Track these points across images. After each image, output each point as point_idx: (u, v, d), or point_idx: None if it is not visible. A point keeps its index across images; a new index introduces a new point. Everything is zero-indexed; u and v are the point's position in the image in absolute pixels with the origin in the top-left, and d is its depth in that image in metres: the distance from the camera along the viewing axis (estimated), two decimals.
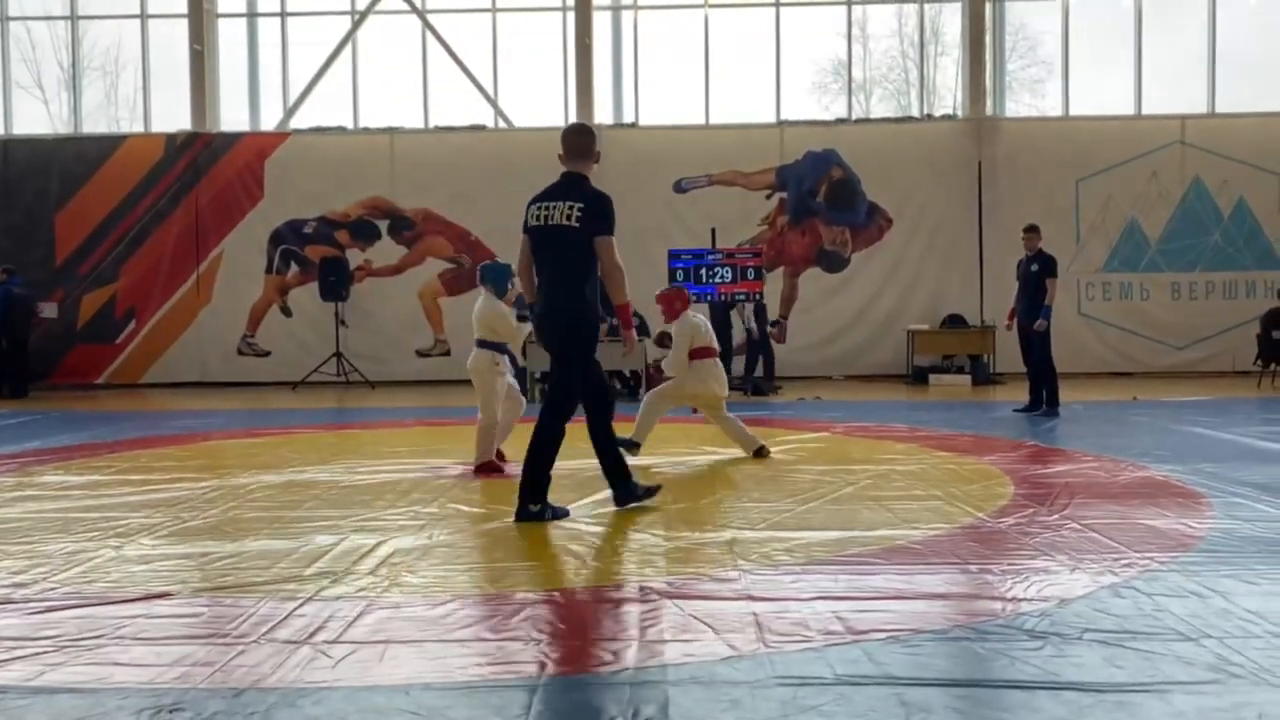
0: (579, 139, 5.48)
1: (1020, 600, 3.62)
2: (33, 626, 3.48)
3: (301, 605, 3.64)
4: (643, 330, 13.18)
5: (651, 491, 5.46)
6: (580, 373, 5.24)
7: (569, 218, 5.14)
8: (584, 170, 5.37)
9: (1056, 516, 5.03)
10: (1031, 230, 10.22)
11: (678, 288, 8.10)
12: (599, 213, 5.19)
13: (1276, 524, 4.82)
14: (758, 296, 13.46)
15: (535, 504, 5.12)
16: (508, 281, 6.89)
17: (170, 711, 2.70)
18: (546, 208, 5.20)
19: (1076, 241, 15.47)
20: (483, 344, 6.82)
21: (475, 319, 6.89)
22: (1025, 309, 10.10)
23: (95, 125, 16.69)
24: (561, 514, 5.21)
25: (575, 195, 5.21)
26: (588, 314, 5.23)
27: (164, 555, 4.50)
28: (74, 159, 15.92)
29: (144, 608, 3.68)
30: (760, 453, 7.28)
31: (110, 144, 16.08)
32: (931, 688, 2.81)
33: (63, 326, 15.76)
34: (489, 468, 6.71)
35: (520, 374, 12.77)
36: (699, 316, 7.55)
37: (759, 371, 13.82)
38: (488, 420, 6.77)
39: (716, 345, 7.49)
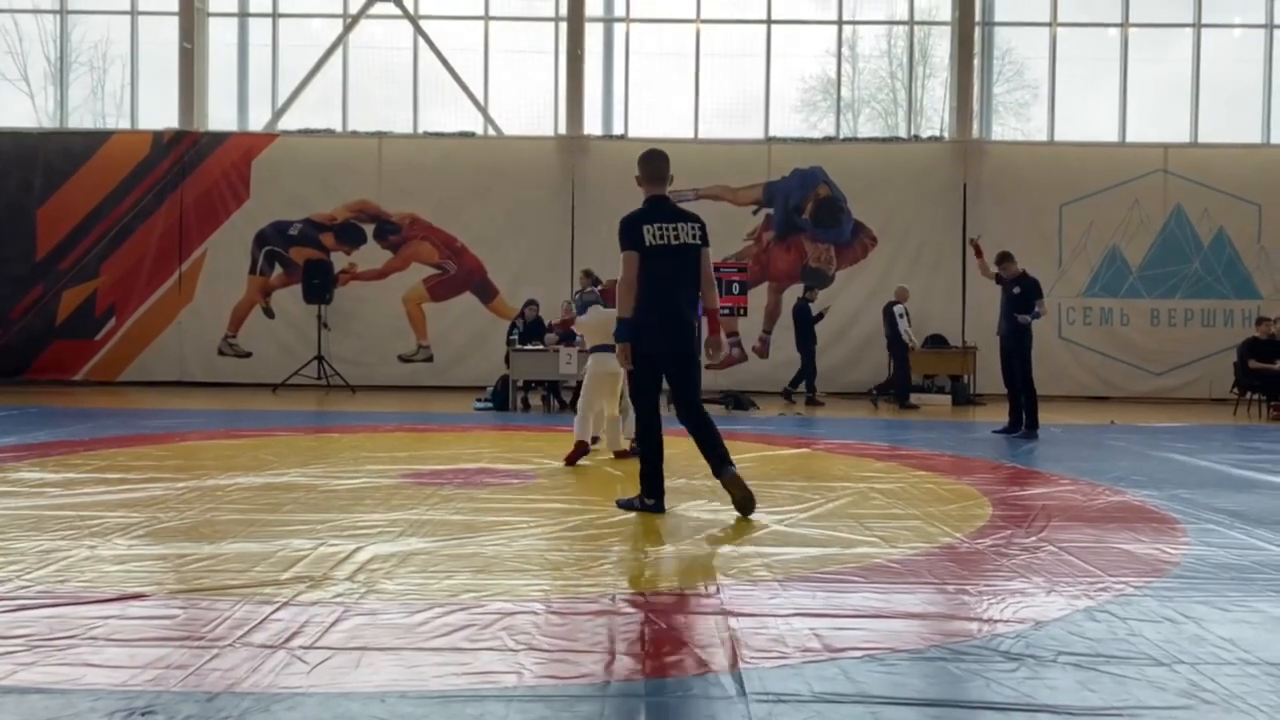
0: (664, 164, 5.80)
1: (996, 621, 3.64)
2: (4, 625, 3.44)
3: (278, 609, 3.62)
4: None
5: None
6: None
7: (694, 236, 5.55)
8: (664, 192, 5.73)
9: (1033, 539, 5.06)
10: (1005, 258, 10.31)
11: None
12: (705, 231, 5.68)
13: (1250, 551, 4.86)
14: (901, 308, 13.80)
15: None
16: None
17: (143, 714, 2.68)
18: (673, 229, 5.54)
19: (1059, 266, 15.62)
20: (605, 348, 7.46)
21: (592, 329, 7.78)
22: (1007, 331, 10.18)
23: (81, 120, 16.61)
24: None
25: (691, 217, 5.66)
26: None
27: (139, 555, 4.46)
28: (59, 153, 15.83)
29: (118, 608, 3.65)
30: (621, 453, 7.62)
31: (96, 139, 15.99)
32: (907, 707, 2.82)
33: (41, 322, 15.64)
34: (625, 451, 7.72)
35: (504, 383, 12.81)
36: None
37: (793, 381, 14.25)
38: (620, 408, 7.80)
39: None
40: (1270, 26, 16.06)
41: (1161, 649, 3.33)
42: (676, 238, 5.48)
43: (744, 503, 5.48)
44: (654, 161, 5.72)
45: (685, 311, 5.51)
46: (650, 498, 5.58)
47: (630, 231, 5.51)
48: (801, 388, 14.19)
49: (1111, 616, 3.71)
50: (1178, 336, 15.71)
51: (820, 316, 14.44)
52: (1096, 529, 5.34)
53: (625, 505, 5.68)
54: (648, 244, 5.45)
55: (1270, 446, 9.61)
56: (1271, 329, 13.63)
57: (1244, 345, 13.80)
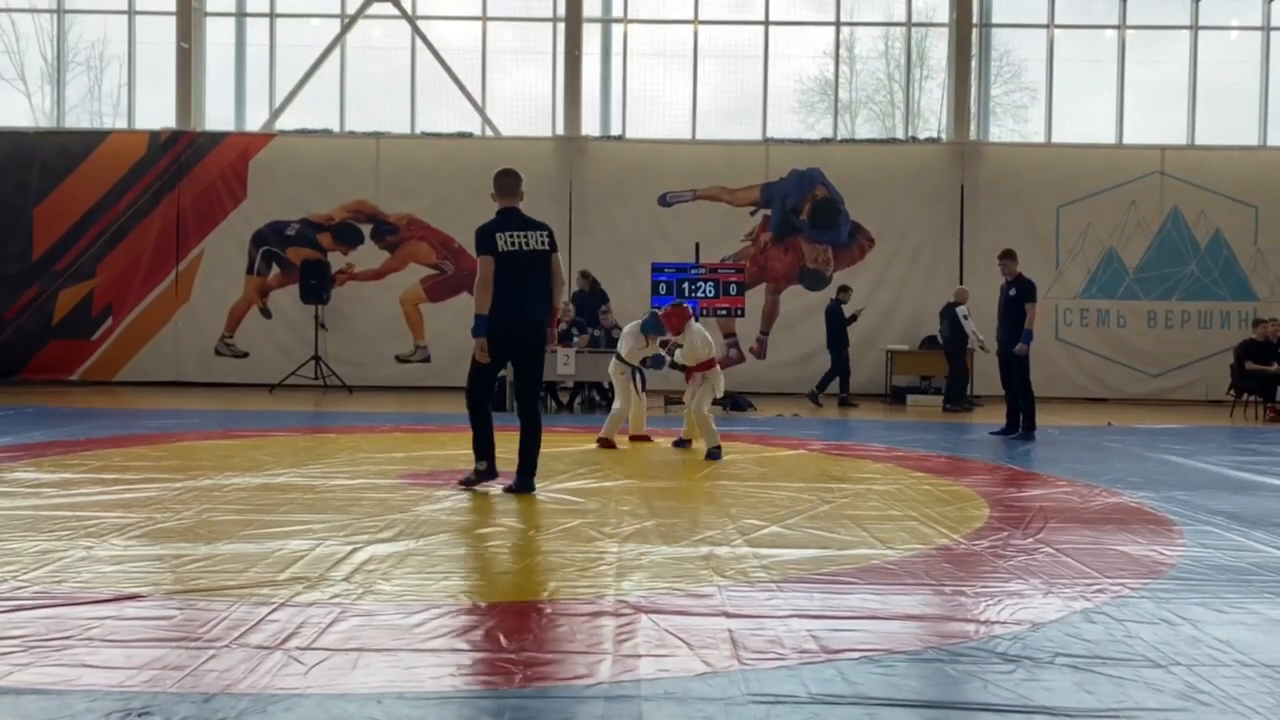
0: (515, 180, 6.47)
1: (993, 623, 3.64)
2: (0, 626, 3.43)
3: (274, 610, 3.62)
4: None
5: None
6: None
7: (542, 243, 6.23)
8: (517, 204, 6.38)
9: (1030, 540, 5.07)
10: (1007, 255, 10.29)
11: (679, 306, 8.93)
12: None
13: (1246, 553, 4.87)
14: (964, 309, 13.79)
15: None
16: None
17: (139, 715, 2.68)
18: (523, 236, 6.23)
19: (1056, 267, 15.63)
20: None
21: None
22: (1006, 335, 10.18)
23: (78, 120, 16.58)
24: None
25: (541, 226, 6.36)
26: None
27: (136, 556, 4.45)
28: (55, 153, 15.80)
29: (114, 609, 3.64)
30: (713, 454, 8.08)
31: (93, 139, 15.97)
32: (904, 709, 2.82)
33: (37, 322, 15.62)
34: (642, 438, 9.11)
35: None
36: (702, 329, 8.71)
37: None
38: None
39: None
40: (1267, 29, 16.08)
41: (1158, 651, 3.34)
42: (526, 244, 6.16)
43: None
44: (505, 179, 6.38)
45: (533, 309, 6.17)
46: (481, 461, 6.28)
47: (484, 239, 6.17)
48: (832, 389, 14.11)
49: (1108, 618, 3.71)
50: (1174, 338, 15.73)
51: (854, 318, 14.42)
52: (1093, 531, 5.35)
53: (467, 483, 6.31)
54: (500, 250, 6.11)
55: (1267, 448, 9.62)
56: (1267, 330, 13.65)
57: (1240, 347, 13.82)
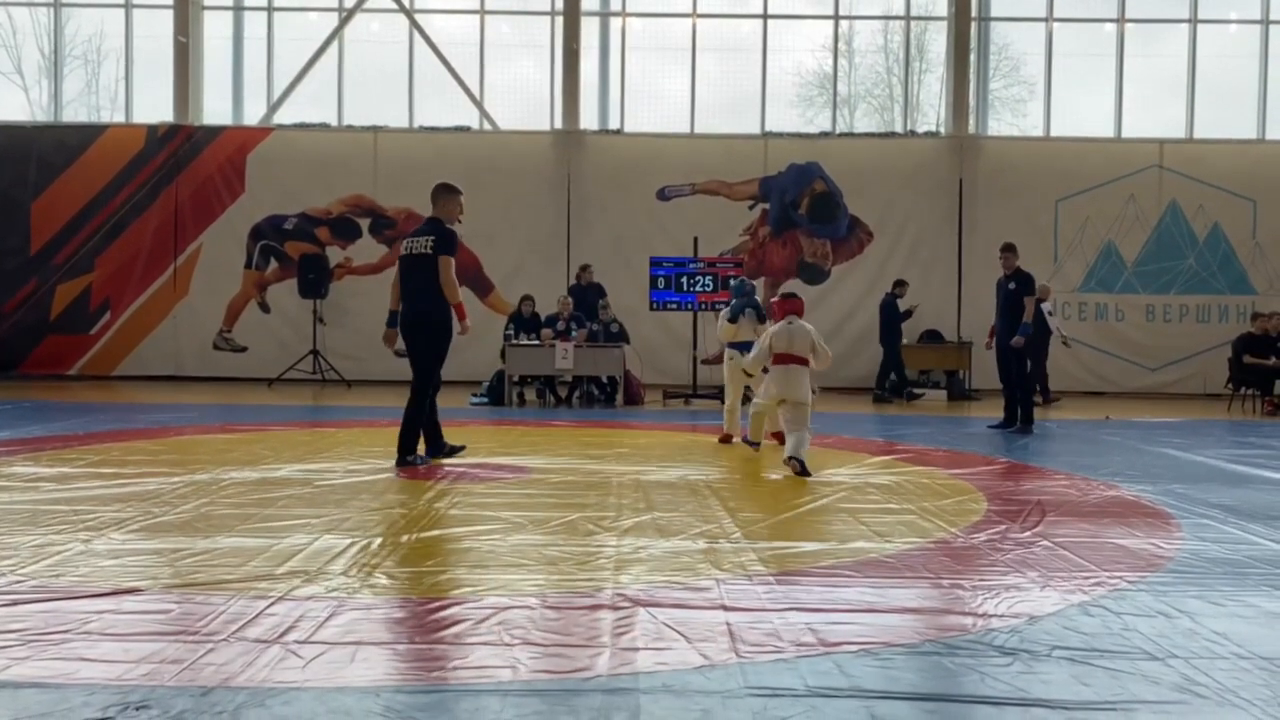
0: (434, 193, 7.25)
1: (991, 616, 3.64)
2: None
3: (273, 604, 3.62)
4: (622, 336, 13.19)
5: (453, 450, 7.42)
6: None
7: (426, 247, 6.99)
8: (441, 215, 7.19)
9: (1028, 534, 5.07)
10: (1008, 249, 10.29)
11: (786, 296, 7.94)
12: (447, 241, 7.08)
13: (1243, 546, 4.88)
14: (1049, 305, 13.77)
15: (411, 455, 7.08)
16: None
17: (137, 709, 2.68)
18: (415, 241, 7.11)
19: (1055, 261, 15.63)
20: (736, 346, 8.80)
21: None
22: (1005, 328, 10.19)
23: (75, 114, 16.56)
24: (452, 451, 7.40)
25: (429, 232, 7.12)
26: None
27: (134, 550, 4.45)
28: (53, 147, 15.78)
29: (112, 603, 3.64)
30: (796, 468, 6.96)
31: (90, 133, 15.94)
32: (902, 701, 2.83)
33: (35, 316, 15.60)
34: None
35: (500, 377, 12.81)
36: (789, 325, 7.48)
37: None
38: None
39: (794, 353, 7.38)
40: (1266, 22, 16.06)
41: (1156, 643, 3.34)
42: (413, 249, 7.02)
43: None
44: (432, 191, 7.20)
45: (418, 304, 7.00)
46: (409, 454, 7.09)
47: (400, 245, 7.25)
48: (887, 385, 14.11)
49: (1106, 611, 3.72)
50: (1173, 332, 15.74)
51: (909, 314, 14.41)
52: (1091, 524, 5.36)
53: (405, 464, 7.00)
54: (402, 253, 7.15)
55: (1264, 441, 9.63)
56: (1266, 325, 13.66)
57: (1238, 341, 13.83)
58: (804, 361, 7.44)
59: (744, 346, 8.53)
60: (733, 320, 8.83)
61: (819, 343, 7.57)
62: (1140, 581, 4.16)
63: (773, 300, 8.02)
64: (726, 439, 8.79)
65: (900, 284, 14.48)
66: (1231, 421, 12.05)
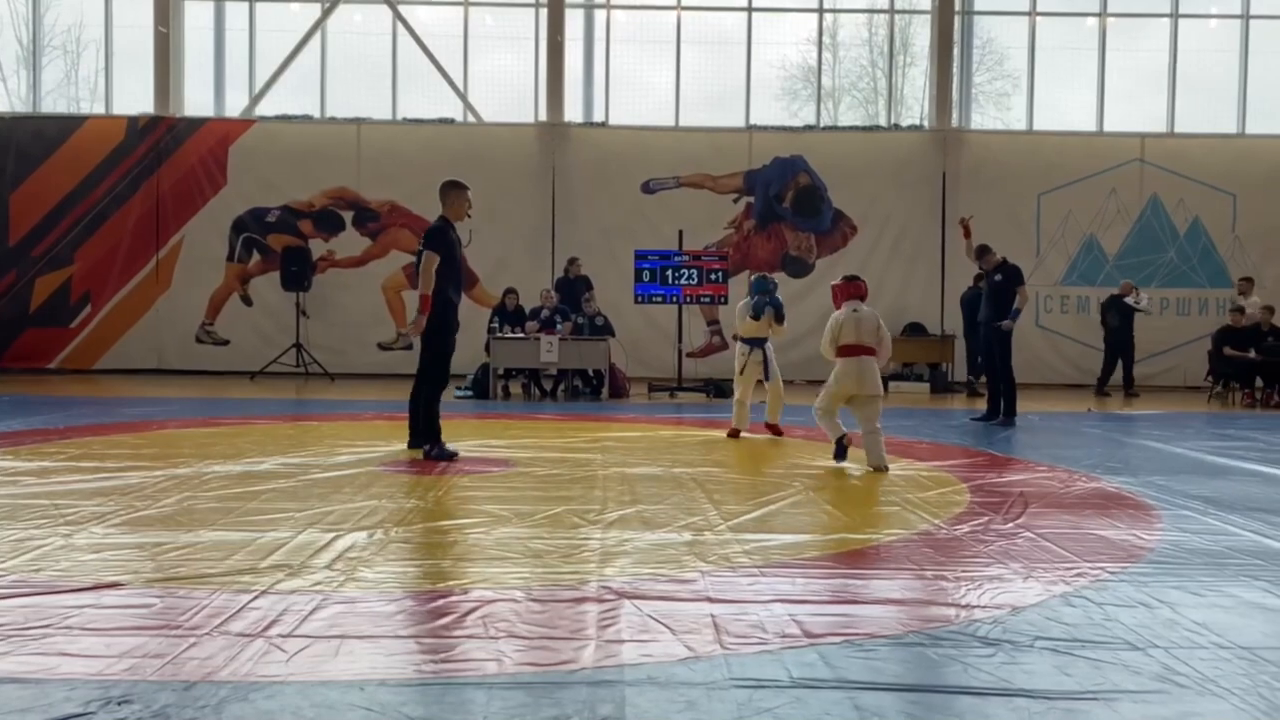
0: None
1: (974, 607, 3.66)
2: None
3: (256, 598, 3.60)
4: (607, 329, 13.18)
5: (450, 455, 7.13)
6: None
7: (420, 244, 7.24)
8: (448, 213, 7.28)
9: (1011, 525, 5.10)
10: (983, 252, 10.41)
11: (847, 280, 7.53)
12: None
13: (1223, 537, 4.92)
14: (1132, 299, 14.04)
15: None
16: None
17: (119, 703, 2.66)
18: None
19: (1036, 254, 15.70)
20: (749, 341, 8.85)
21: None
22: (989, 317, 10.25)
23: (55, 105, 16.40)
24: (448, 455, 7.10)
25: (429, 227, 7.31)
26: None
27: (115, 544, 4.42)
28: (31, 138, 15.62)
29: (93, 597, 3.62)
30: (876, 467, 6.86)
31: (70, 124, 15.80)
32: (885, 692, 2.84)
33: (14, 309, 15.46)
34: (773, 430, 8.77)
35: (484, 371, 12.78)
36: (853, 312, 7.14)
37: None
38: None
39: (863, 343, 7.07)
40: (1246, 17, 16.16)
41: (1136, 633, 3.37)
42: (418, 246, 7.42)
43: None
44: (439, 189, 7.31)
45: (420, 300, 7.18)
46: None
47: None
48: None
49: (1088, 602, 3.74)
50: (1153, 325, 15.83)
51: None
52: (1073, 515, 5.39)
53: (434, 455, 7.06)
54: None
55: (1242, 433, 9.72)
56: (1241, 319, 13.76)
57: (1218, 334, 13.94)
58: (873, 351, 7.03)
59: (757, 343, 8.79)
60: (756, 317, 8.80)
61: (884, 330, 7.13)
62: (1121, 572, 4.19)
63: (834, 284, 7.49)
64: (735, 433, 8.76)
65: (980, 279, 14.16)
66: (1211, 414, 12.15)
